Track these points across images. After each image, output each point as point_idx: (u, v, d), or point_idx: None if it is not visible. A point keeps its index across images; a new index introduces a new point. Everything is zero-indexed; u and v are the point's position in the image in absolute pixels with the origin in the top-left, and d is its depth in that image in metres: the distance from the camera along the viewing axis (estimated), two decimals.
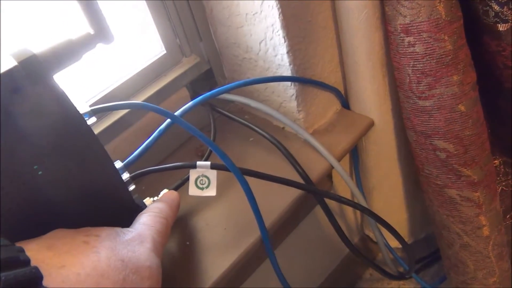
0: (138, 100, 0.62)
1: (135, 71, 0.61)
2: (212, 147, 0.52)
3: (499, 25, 0.51)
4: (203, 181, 0.55)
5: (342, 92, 0.69)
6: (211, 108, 0.68)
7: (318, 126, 0.68)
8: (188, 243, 0.56)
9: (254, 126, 0.64)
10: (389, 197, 0.80)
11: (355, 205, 0.59)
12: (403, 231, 0.88)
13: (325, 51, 0.63)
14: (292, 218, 0.62)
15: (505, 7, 0.48)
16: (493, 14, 0.50)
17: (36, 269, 0.25)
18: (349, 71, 0.64)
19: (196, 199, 0.58)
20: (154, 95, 0.62)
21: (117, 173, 0.43)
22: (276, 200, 0.58)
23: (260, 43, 0.60)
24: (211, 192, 0.55)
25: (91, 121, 0.43)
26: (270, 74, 0.63)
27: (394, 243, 0.78)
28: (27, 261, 0.25)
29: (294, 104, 0.63)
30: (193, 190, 0.54)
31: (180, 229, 0.58)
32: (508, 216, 0.77)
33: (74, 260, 0.30)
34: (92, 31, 0.41)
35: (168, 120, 0.52)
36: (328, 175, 0.76)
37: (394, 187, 0.79)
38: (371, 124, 0.67)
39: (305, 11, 0.57)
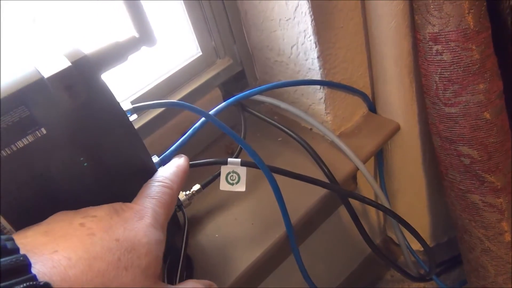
0: (174, 99, 0.65)
1: (172, 71, 0.64)
2: (242, 145, 0.54)
3: None
4: (234, 177, 0.58)
5: (370, 96, 0.71)
6: (242, 108, 0.70)
7: (345, 128, 0.70)
8: (217, 235, 0.60)
9: (283, 127, 0.66)
10: (412, 201, 0.82)
11: (379, 206, 0.61)
12: (425, 234, 0.89)
13: (354, 57, 0.65)
14: (317, 216, 0.64)
15: None
16: None
17: (24, 256, 0.25)
18: (378, 76, 0.66)
19: (226, 194, 0.61)
20: (188, 95, 0.65)
21: (154, 168, 0.46)
22: (302, 198, 0.61)
23: (292, 47, 0.63)
24: (241, 187, 0.58)
25: (132, 117, 0.46)
26: (300, 77, 0.65)
27: (416, 245, 0.79)
28: (15, 250, 0.26)
29: (322, 106, 0.66)
30: (224, 185, 0.57)
31: (210, 222, 0.61)
32: None
33: (67, 244, 0.30)
34: (137, 34, 0.45)
35: (203, 118, 0.55)
36: (353, 177, 0.77)
37: (418, 191, 0.80)
38: (397, 128, 0.69)
39: (336, 18, 0.59)
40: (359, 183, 0.82)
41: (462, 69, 0.54)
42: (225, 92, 0.71)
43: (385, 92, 0.67)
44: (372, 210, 0.94)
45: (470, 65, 0.53)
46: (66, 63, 0.37)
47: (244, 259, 0.56)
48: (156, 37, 0.47)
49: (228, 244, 0.59)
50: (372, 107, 0.72)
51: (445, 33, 0.52)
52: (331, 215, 0.80)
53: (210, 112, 0.58)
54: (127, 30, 0.45)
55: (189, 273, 0.54)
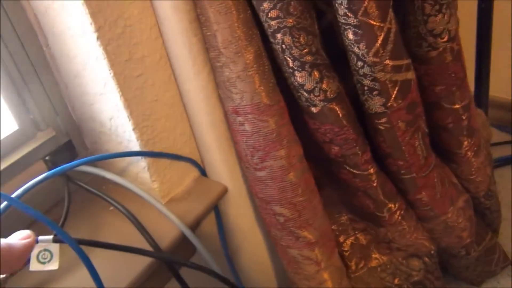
0: None
1: None
2: (46, 223, 0.53)
3: (311, 108, 0.59)
4: (45, 255, 0.55)
5: (199, 160, 0.74)
6: (68, 180, 0.69)
7: (175, 194, 0.72)
8: None
9: (108, 198, 0.66)
10: (254, 256, 0.85)
11: (202, 269, 0.62)
12: (273, 285, 0.93)
13: (175, 125, 0.68)
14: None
15: (311, 94, 0.57)
16: (304, 99, 0.58)
17: None
18: (199, 143, 0.70)
19: (41, 275, 0.58)
20: (6, 170, 0.63)
21: None
22: (123, 270, 0.60)
23: (110, 120, 0.64)
24: (53, 266, 0.55)
25: None
26: (123, 147, 0.66)
27: None
28: None
29: (147, 175, 0.67)
30: (34, 265, 0.54)
31: None
32: (360, 267, 0.85)
33: None
34: None
35: (5, 202, 0.53)
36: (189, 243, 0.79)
37: (257, 245, 0.84)
38: (225, 190, 0.73)
39: (149, 92, 0.61)
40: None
41: (262, 137, 0.59)
42: (52, 164, 0.69)
43: (209, 158, 0.70)
44: None
45: (268, 134, 0.59)
46: None
47: None
48: None
49: None
50: (203, 171, 0.75)
51: (243, 107, 0.58)
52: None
53: (15, 194, 0.56)
54: None
55: None
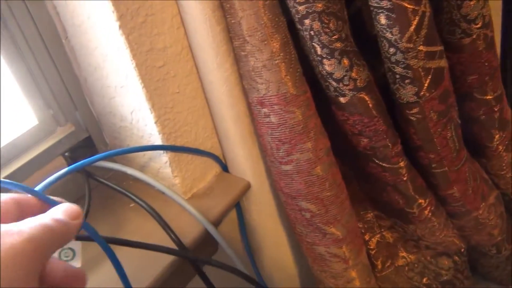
0: (9, 170, 0.61)
1: (4, 143, 0.60)
2: None
3: (340, 98, 0.57)
4: (68, 253, 0.54)
5: (221, 156, 0.72)
6: (88, 176, 0.68)
7: (197, 189, 0.70)
8: None
9: (130, 194, 0.65)
10: (276, 254, 0.83)
11: (225, 268, 0.60)
12: (295, 284, 0.90)
13: (198, 119, 0.66)
14: (169, 286, 0.62)
15: (341, 83, 0.54)
16: (333, 89, 0.56)
17: None
18: (222, 138, 0.68)
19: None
20: (25, 166, 0.62)
21: None
22: (148, 268, 0.58)
23: (131, 113, 0.62)
24: (76, 264, 0.54)
25: None
26: (144, 142, 0.64)
27: None
28: None
29: (169, 170, 0.65)
30: None
31: None
32: (386, 266, 0.82)
33: None
34: None
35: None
36: (213, 241, 0.77)
37: (280, 244, 0.81)
38: (248, 186, 0.70)
39: (171, 84, 0.60)
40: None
41: (288, 129, 0.57)
42: (71, 160, 0.68)
43: (231, 152, 0.68)
44: None
45: (295, 125, 0.57)
46: None
47: None
48: None
49: None
50: (225, 167, 0.73)
51: (268, 97, 0.55)
52: (188, 284, 0.78)
53: (38, 187, 0.54)
54: None
55: None
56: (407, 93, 0.56)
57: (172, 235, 0.61)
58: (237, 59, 0.57)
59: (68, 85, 0.64)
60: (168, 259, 0.60)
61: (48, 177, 0.56)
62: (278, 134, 0.58)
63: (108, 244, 0.53)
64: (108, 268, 0.58)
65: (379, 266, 0.80)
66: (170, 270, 0.60)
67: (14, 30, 0.57)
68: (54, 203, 0.39)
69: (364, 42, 0.59)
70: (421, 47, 0.52)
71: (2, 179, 0.49)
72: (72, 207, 0.37)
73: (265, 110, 0.57)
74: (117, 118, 0.66)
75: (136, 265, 0.58)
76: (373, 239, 0.80)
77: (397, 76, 0.55)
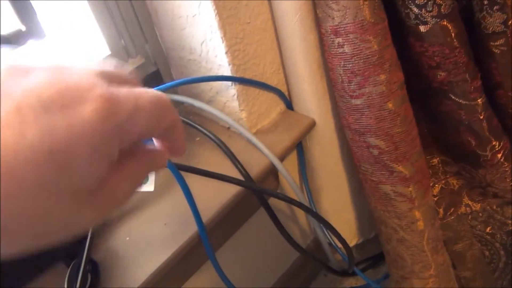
0: None
1: None
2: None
3: (420, 26, 0.54)
4: None
5: (286, 93, 0.72)
6: None
7: (261, 126, 0.70)
8: (128, 238, 0.57)
9: (198, 126, 0.66)
10: (335, 196, 0.83)
11: (293, 202, 0.61)
12: (352, 230, 0.90)
13: (266, 53, 0.65)
14: (233, 216, 0.63)
15: (423, 9, 0.52)
16: (414, 17, 0.53)
17: None
18: (289, 72, 0.67)
19: (136, 195, 0.59)
20: None
21: None
22: (215, 197, 0.60)
23: (201, 44, 0.62)
24: (149, 187, 0.56)
25: None
26: (212, 74, 0.65)
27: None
28: None
29: (236, 103, 0.65)
30: None
31: (121, 224, 0.59)
32: (448, 213, 0.80)
33: None
34: (23, 28, 0.43)
35: None
36: (275, 175, 0.78)
37: (340, 186, 0.81)
38: (313, 124, 0.70)
39: (242, 13, 0.59)
40: (282, 182, 0.82)
41: (362, 60, 0.55)
42: None
43: (298, 88, 0.68)
44: (301, 210, 0.94)
45: (370, 56, 0.55)
46: None
47: (154, 260, 0.54)
48: (44, 30, 0.45)
49: (139, 246, 0.56)
50: (289, 104, 0.72)
51: (344, 26, 0.54)
52: (252, 216, 0.80)
53: None
54: (13, 23, 0.43)
55: (94, 278, 0.52)
56: (494, 21, 0.53)
57: (240, 167, 0.61)
58: None
59: (139, 17, 0.65)
60: (234, 189, 0.61)
61: None
62: (351, 65, 0.56)
63: (179, 171, 0.55)
64: (178, 194, 0.60)
65: (441, 213, 0.79)
66: (235, 201, 0.61)
67: None
68: None
69: None
70: None
71: None
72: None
73: (339, 40, 0.55)
74: (186, 51, 0.66)
75: (204, 194, 0.60)
76: (436, 185, 0.78)
77: (485, 2, 0.52)
